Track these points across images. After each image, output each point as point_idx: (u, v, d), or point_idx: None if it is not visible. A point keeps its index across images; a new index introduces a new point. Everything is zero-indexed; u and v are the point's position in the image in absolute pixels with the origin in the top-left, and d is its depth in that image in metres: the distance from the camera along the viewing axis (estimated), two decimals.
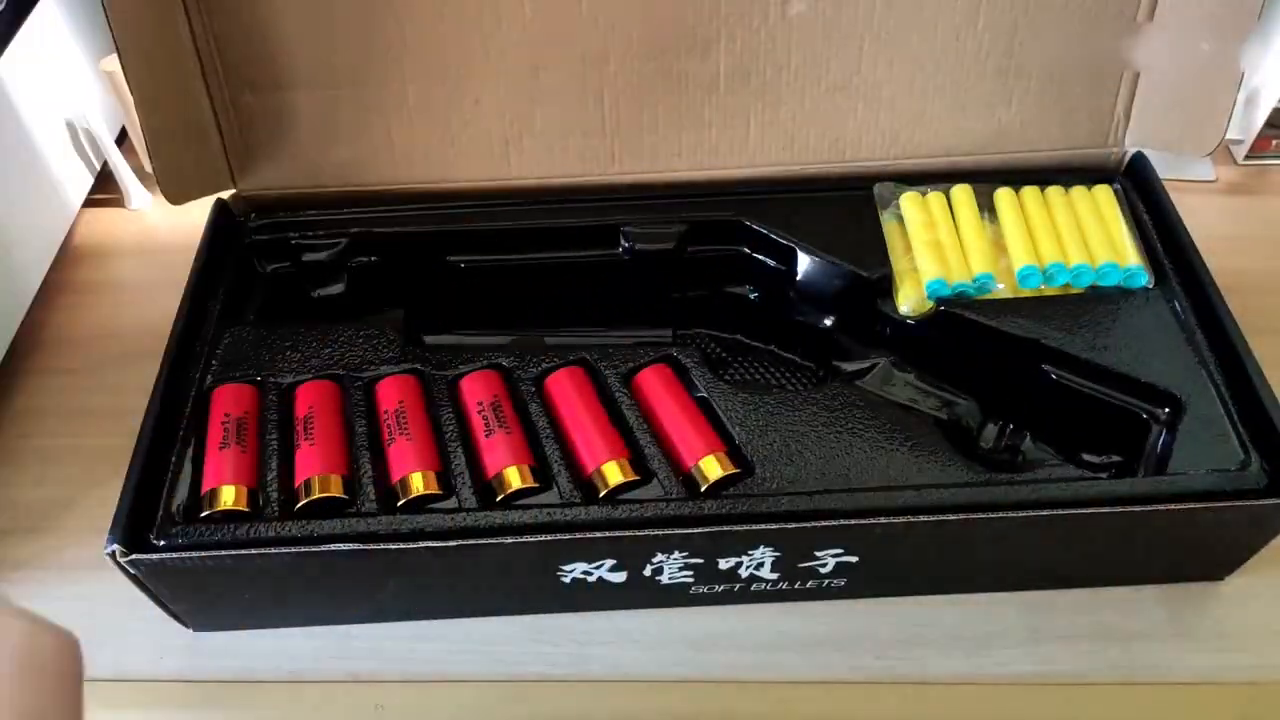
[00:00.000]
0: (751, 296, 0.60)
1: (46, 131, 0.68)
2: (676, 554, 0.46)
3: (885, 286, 0.55)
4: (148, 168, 0.72)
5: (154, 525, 0.46)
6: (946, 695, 0.49)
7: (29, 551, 0.56)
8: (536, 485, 0.48)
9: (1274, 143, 0.71)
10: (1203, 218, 0.56)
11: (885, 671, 0.50)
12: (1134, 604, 0.51)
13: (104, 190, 0.74)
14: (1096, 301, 0.53)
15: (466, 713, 0.49)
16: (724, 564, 0.48)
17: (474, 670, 0.50)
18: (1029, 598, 0.52)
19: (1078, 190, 0.57)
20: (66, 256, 0.71)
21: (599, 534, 0.45)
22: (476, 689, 0.50)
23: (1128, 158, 0.59)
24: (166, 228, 0.73)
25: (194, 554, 0.45)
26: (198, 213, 0.59)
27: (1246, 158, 0.72)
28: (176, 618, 0.51)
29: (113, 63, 0.68)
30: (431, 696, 0.50)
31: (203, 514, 0.47)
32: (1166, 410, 0.49)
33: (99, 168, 0.74)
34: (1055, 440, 0.53)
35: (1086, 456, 0.52)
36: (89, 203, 0.73)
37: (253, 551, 0.45)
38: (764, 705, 0.49)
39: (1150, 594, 0.52)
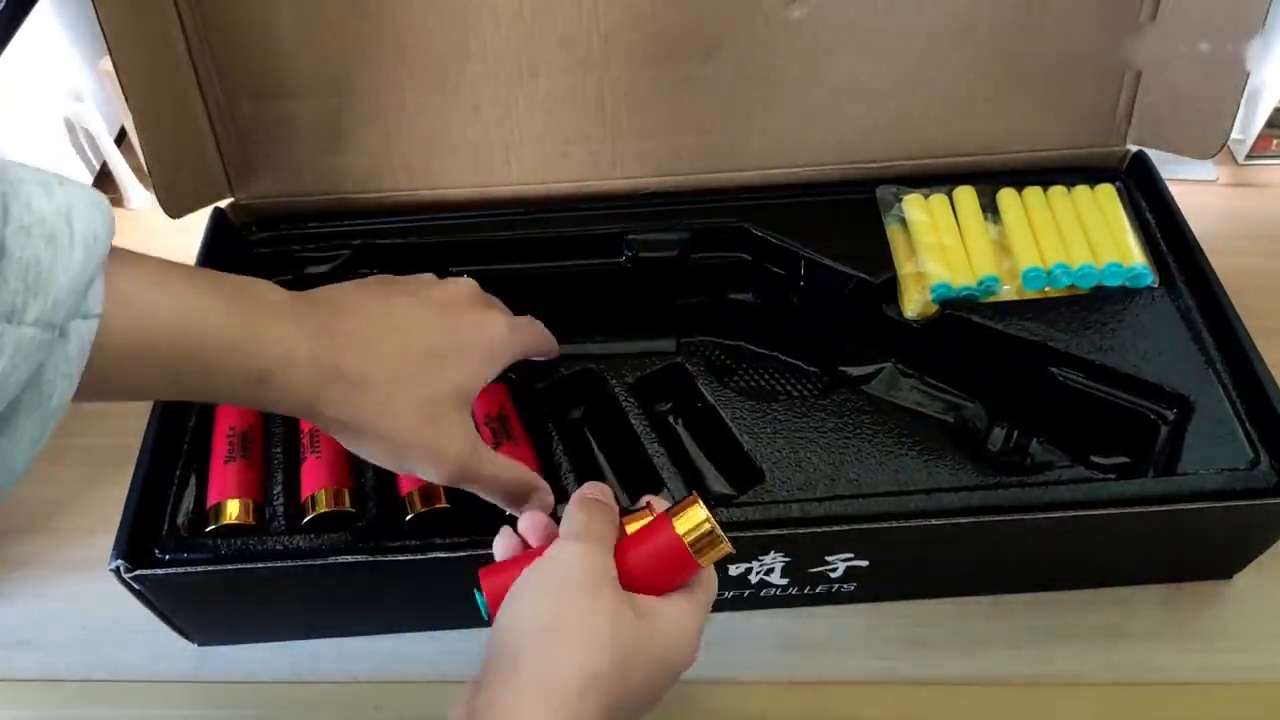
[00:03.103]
0: (755, 303, 0.60)
1: (45, 131, 0.67)
2: None
3: (890, 290, 0.55)
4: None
5: (158, 540, 0.46)
6: (946, 695, 0.49)
7: (29, 551, 0.56)
8: None
9: (1274, 142, 0.71)
10: (1204, 217, 0.57)
11: (885, 671, 0.50)
12: (1137, 604, 0.51)
13: (103, 189, 0.73)
14: (1102, 302, 0.53)
15: None
16: (734, 570, 0.47)
17: (473, 672, 0.50)
18: (1031, 598, 0.52)
19: (1080, 190, 0.57)
20: None
21: None
22: None
23: (1130, 156, 0.59)
24: (166, 227, 0.72)
25: (200, 569, 0.45)
26: (198, 212, 0.58)
27: (1247, 157, 0.72)
28: (181, 633, 0.50)
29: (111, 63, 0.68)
30: (430, 698, 0.49)
31: (208, 528, 0.46)
32: (1175, 410, 0.49)
33: (98, 167, 0.73)
34: (1063, 442, 0.53)
35: (1095, 458, 0.51)
36: None
37: (259, 566, 0.45)
38: (764, 705, 0.49)
39: (1155, 594, 0.52)
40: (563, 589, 0.35)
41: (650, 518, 0.38)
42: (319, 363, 0.38)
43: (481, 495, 0.43)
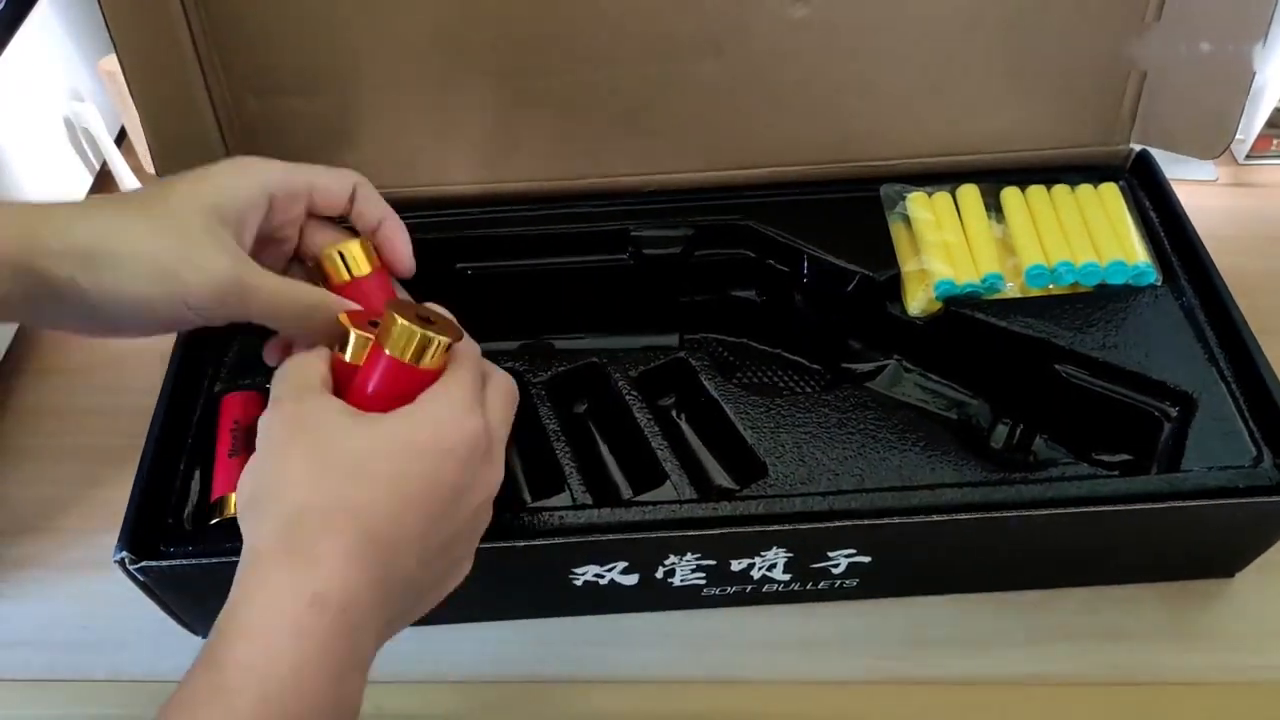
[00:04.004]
0: (758, 299, 0.60)
1: (46, 131, 0.67)
2: (689, 555, 0.46)
3: (893, 288, 0.55)
4: (147, 167, 0.72)
5: (162, 533, 0.46)
6: (947, 695, 0.49)
7: (29, 551, 0.56)
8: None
9: (1274, 142, 0.71)
10: (1204, 217, 0.57)
11: (885, 672, 0.50)
12: (1137, 603, 0.51)
13: (103, 190, 0.74)
14: (1105, 300, 0.53)
15: (466, 715, 0.49)
16: (736, 565, 0.47)
17: (474, 672, 0.50)
18: (1030, 597, 0.52)
19: (1084, 188, 0.58)
20: None
21: (612, 536, 0.45)
22: (476, 691, 0.49)
23: (1133, 156, 0.60)
24: None
25: (203, 561, 0.45)
26: None
27: (1247, 157, 0.72)
28: (185, 625, 0.50)
29: (112, 62, 0.68)
30: (431, 699, 0.49)
31: (212, 521, 0.46)
32: (1178, 408, 0.49)
33: (98, 167, 0.73)
34: (1067, 439, 0.53)
35: (1098, 455, 0.51)
36: None
37: None
38: (764, 705, 0.49)
39: (1155, 593, 0.52)
40: (260, 450, 0.35)
41: (351, 337, 0.38)
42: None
43: (266, 323, 0.40)
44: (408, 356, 0.36)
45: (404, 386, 0.36)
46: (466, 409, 0.36)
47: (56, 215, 0.37)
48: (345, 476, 0.34)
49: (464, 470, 0.36)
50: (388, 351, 0.36)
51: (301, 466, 0.34)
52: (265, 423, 0.36)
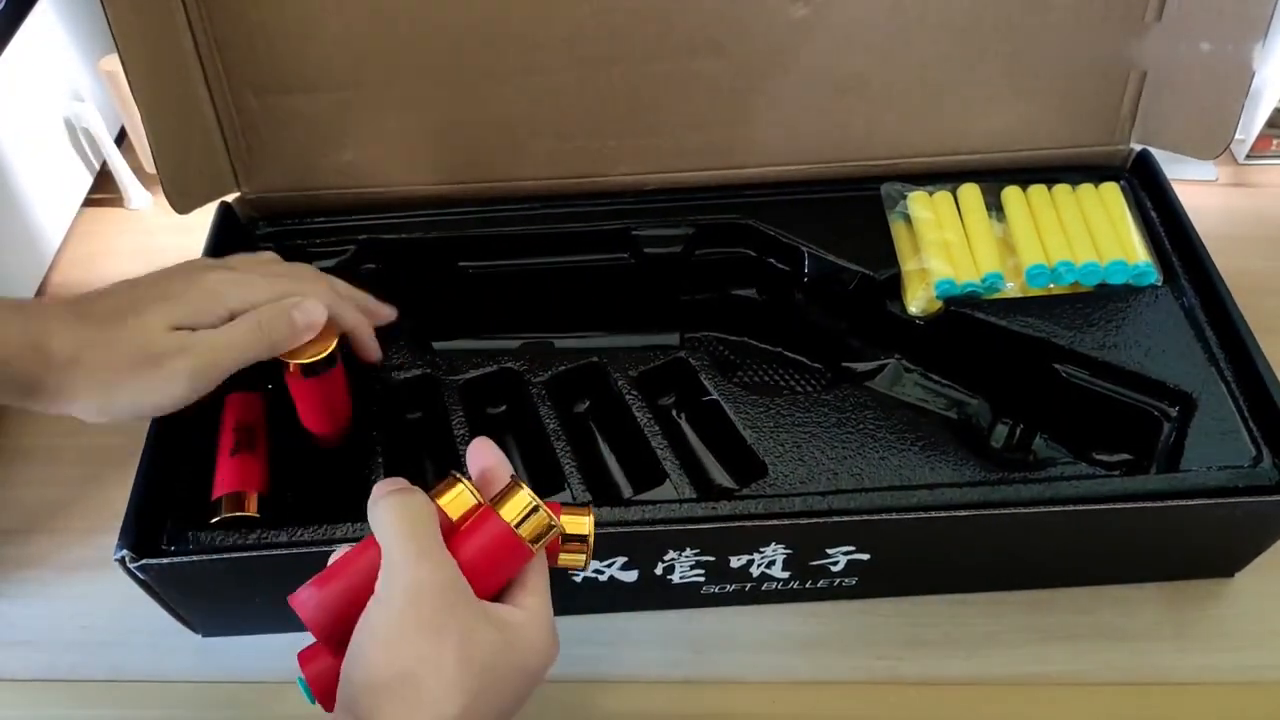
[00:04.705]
0: (759, 298, 0.60)
1: (46, 131, 0.68)
2: (688, 551, 0.46)
3: (893, 287, 0.55)
4: (147, 167, 0.72)
5: (163, 530, 0.46)
6: (946, 695, 0.49)
7: (29, 551, 0.56)
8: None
9: (1274, 143, 0.71)
10: (1203, 217, 0.57)
11: (885, 671, 0.50)
12: (1137, 603, 0.51)
13: (103, 190, 0.74)
14: (1105, 299, 0.53)
15: None
16: (735, 562, 0.47)
17: None
18: (1031, 596, 0.52)
19: (1085, 188, 0.58)
20: (66, 257, 0.71)
21: (611, 530, 0.45)
22: None
23: (1134, 155, 0.60)
24: (166, 227, 0.73)
25: (205, 558, 0.45)
26: (198, 212, 0.58)
27: (1247, 157, 0.72)
28: (185, 623, 0.50)
29: (112, 62, 0.68)
30: None
31: (213, 519, 0.46)
32: (1177, 407, 0.49)
33: (98, 167, 0.74)
34: (1067, 439, 0.53)
35: (1098, 455, 0.52)
36: (88, 202, 0.73)
37: (264, 554, 0.45)
38: (764, 705, 0.49)
39: (1155, 593, 0.52)
40: (400, 632, 0.32)
41: (459, 489, 0.36)
42: (28, 330, 0.41)
43: (250, 357, 0.44)
44: (521, 529, 0.35)
45: (503, 560, 0.35)
46: (553, 629, 0.36)
47: (47, 383, 0.42)
48: (478, 687, 0.32)
49: (532, 686, 0.35)
50: (505, 518, 0.35)
51: (453, 674, 0.32)
52: (404, 584, 0.33)
